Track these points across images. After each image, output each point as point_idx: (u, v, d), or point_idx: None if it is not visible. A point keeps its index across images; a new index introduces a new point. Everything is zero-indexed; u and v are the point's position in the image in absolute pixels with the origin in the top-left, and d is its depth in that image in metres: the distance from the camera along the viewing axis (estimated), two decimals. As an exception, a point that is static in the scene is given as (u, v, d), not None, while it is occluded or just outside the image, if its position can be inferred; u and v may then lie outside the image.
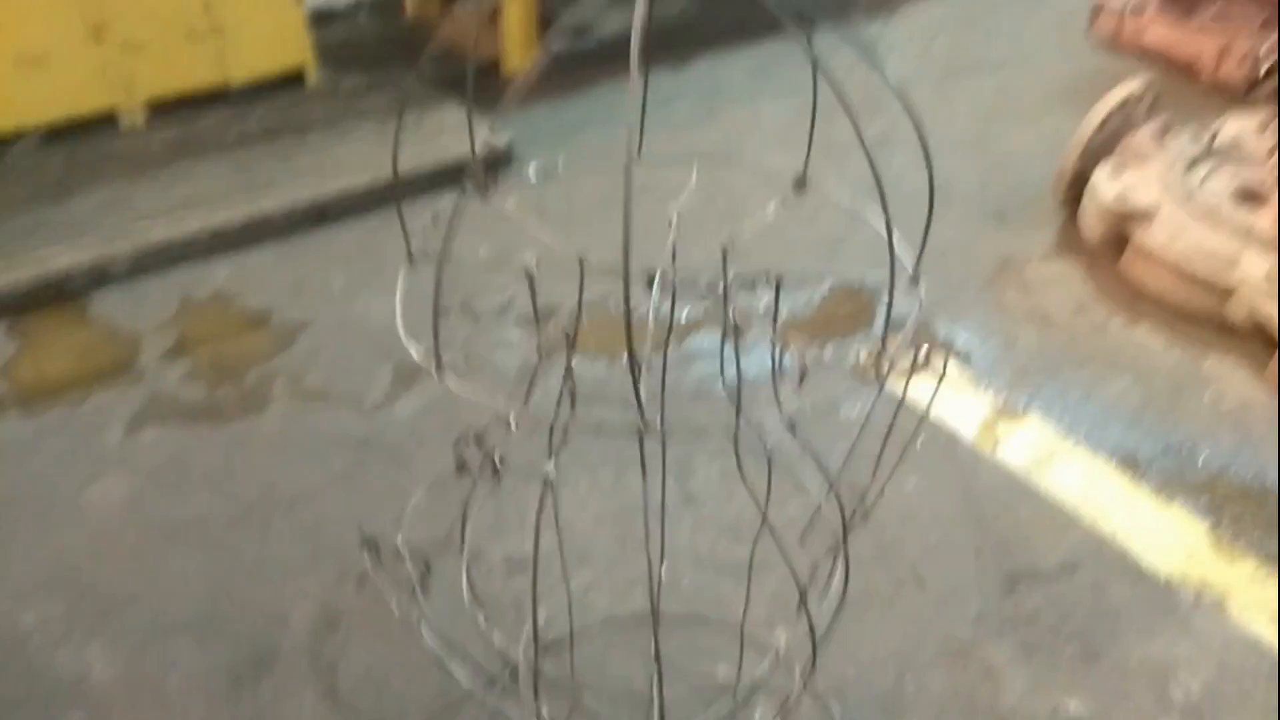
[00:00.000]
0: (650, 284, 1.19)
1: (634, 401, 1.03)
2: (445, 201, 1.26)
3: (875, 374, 1.04)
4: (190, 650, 1.91)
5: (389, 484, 2.26)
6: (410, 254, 1.20)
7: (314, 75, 3.92)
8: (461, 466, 1.20)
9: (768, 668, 1.79)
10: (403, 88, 3.75)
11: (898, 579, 2.04)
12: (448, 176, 3.30)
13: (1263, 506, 2.19)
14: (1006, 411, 2.46)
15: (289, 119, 3.67)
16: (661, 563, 1.84)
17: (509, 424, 1.28)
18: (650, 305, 1.11)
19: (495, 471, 1.17)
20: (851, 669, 1.86)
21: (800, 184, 1.37)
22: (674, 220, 1.28)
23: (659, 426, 1.20)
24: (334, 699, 1.82)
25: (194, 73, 3.65)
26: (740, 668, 1.78)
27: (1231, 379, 2.54)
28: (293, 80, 3.88)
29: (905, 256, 1.23)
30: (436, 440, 2.37)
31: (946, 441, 2.36)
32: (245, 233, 3.13)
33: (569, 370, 1.27)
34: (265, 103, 3.76)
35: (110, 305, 2.86)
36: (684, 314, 2.72)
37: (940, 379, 1.57)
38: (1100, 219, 2.82)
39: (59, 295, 2.87)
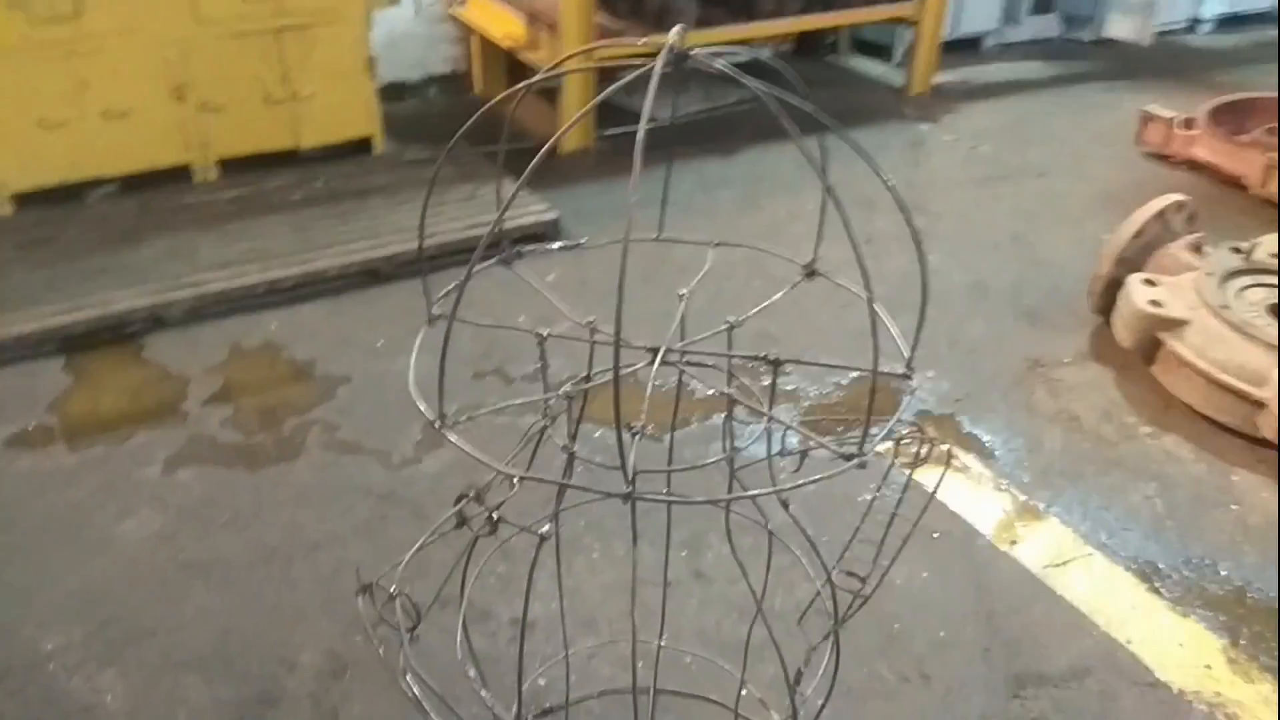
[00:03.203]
0: (654, 357, 1.24)
1: (646, 470, 1.07)
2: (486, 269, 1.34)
3: (859, 465, 1.07)
4: (199, 686, 1.96)
5: (408, 537, 2.29)
6: (430, 316, 1.27)
7: (381, 144, 4.11)
8: (462, 522, 1.25)
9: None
10: (453, 155, 3.90)
11: (902, 673, 2.02)
12: (495, 246, 3.42)
13: (1284, 627, 2.14)
14: (1027, 511, 2.45)
15: (352, 184, 3.84)
16: (661, 636, 1.87)
17: (511, 484, 1.33)
18: (650, 380, 1.16)
19: (493, 529, 1.21)
20: (847, 759, 1.84)
21: (810, 272, 1.42)
22: (684, 296, 1.34)
23: (664, 492, 1.23)
24: (332, 746, 1.85)
25: (267, 136, 3.85)
26: (732, 746, 1.78)
27: (1258, 494, 2.50)
28: (360, 147, 4.07)
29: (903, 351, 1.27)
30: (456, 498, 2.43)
31: (963, 536, 2.35)
32: (299, 288, 3.26)
33: (573, 432, 1.33)
34: (332, 167, 3.95)
35: (164, 348, 2.99)
36: (711, 390, 2.76)
37: (945, 469, 1.59)
38: (1133, 326, 2.83)
39: (116, 336, 3.02)
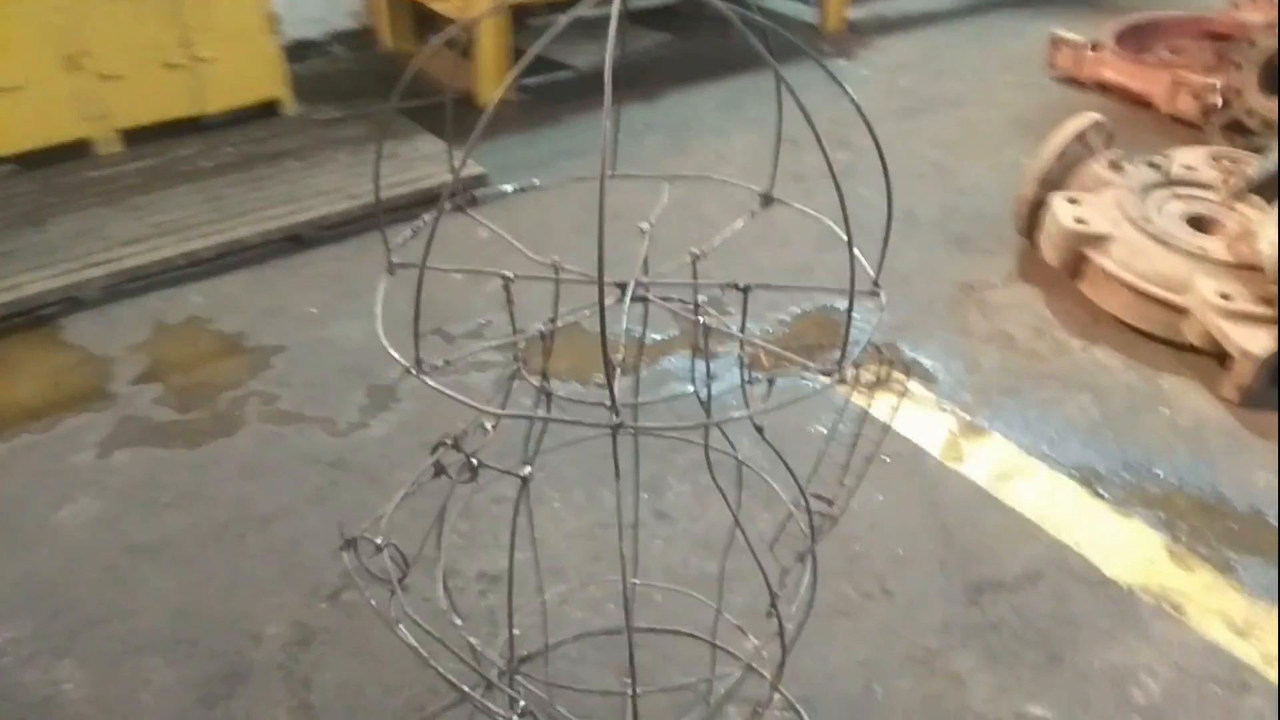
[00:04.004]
0: (623, 293, 1.23)
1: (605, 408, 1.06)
2: (423, 220, 1.30)
3: (838, 380, 1.08)
4: (162, 668, 1.90)
5: (362, 503, 2.27)
6: (391, 264, 1.23)
7: (289, 106, 3.96)
8: (440, 471, 1.23)
9: (739, 675, 1.81)
10: (379, 113, 3.81)
11: (865, 590, 2.07)
12: (423, 204, 3.34)
13: (1218, 519, 2.25)
14: (970, 429, 2.52)
15: (264, 148, 3.70)
16: (634, 574, 1.88)
17: (484, 430, 1.31)
18: (624, 312, 1.15)
19: (473, 475, 1.20)
20: (821, 677, 1.89)
21: (767, 200, 1.42)
22: (646, 230, 1.33)
23: (631, 424, 1.23)
24: (307, 714, 1.82)
25: (170, 103, 3.68)
26: (713, 674, 1.81)
27: (1186, 397, 2.61)
28: (268, 110, 3.92)
29: (867, 271, 1.28)
30: (410, 460, 2.39)
31: (912, 458, 2.41)
32: (220, 259, 3.15)
33: (545, 371, 1.31)
34: (241, 132, 3.80)
35: (83, 330, 2.86)
36: (657, 335, 2.76)
37: (902, 392, 1.62)
38: (1059, 244, 2.91)
39: (31, 320, 2.87)
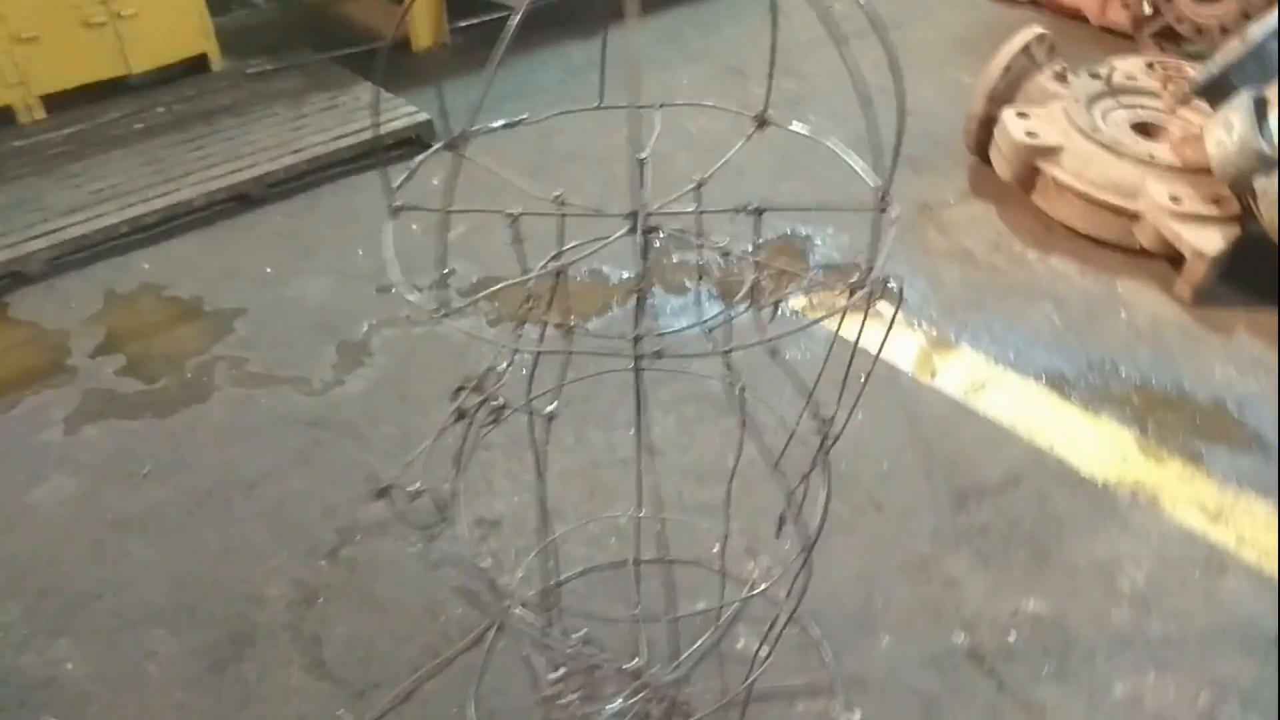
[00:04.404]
0: (634, 222, 1.23)
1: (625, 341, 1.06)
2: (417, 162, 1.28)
3: (850, 298, 1.10)
4: (165, 638, 1.88)
5: (349, 460, 2.25)
6: (392, 206, 1.21)
7: (218, 61, 3.82)
8: (462, 415, 1.22)
9: (752, 594, 1.86)
10: (374, 58, 3.68)
11: (857, 506, 2.13)
12: (369, 155, 3.27)
13: (1182, 412, 2.35)
14: (940, 344, 2.58)
15: (196, 106, 3.57)
16: (638, 506, 1.90)
17: (498, 374, 1.31)
18: (638, 244, 1.15)
19: (498, 417, 1.20)
20: (823, 592, 1.94)
21: (762, 122, 1.42)
22: (643, 159, 1.32)
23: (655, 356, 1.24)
24: (320, 669, 1.82)
25: (92, 64, 3.52)
26: (722, 598, 1.85)
27: (1143, 298, 2.71)
28: (196, 67, 3.77)
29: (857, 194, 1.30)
30: (392, 414, 2.37)
31: (888, 376, 2.46)
32: (166, 223, 3.05)
33: (567, 307, 1.31)
34: (170, 91, 3.65)
35: (31, 305, 2.76)
36: (625, 272, 2.76)
37: (896, 308, 1.65)
38: (1011, 157, 2.96)
39: (-26, 299, 2.76)
